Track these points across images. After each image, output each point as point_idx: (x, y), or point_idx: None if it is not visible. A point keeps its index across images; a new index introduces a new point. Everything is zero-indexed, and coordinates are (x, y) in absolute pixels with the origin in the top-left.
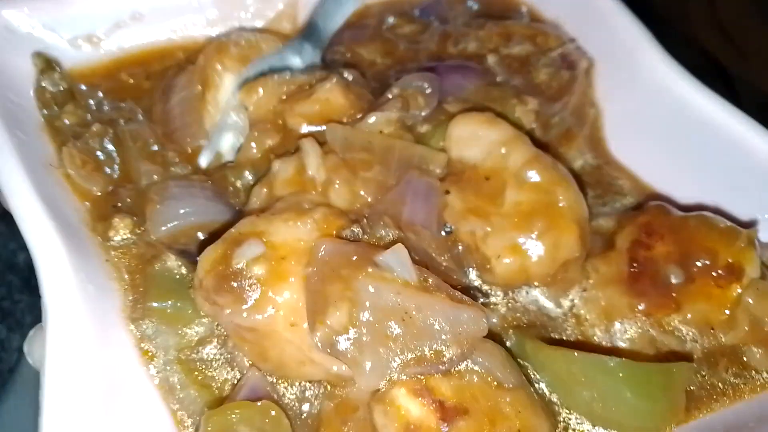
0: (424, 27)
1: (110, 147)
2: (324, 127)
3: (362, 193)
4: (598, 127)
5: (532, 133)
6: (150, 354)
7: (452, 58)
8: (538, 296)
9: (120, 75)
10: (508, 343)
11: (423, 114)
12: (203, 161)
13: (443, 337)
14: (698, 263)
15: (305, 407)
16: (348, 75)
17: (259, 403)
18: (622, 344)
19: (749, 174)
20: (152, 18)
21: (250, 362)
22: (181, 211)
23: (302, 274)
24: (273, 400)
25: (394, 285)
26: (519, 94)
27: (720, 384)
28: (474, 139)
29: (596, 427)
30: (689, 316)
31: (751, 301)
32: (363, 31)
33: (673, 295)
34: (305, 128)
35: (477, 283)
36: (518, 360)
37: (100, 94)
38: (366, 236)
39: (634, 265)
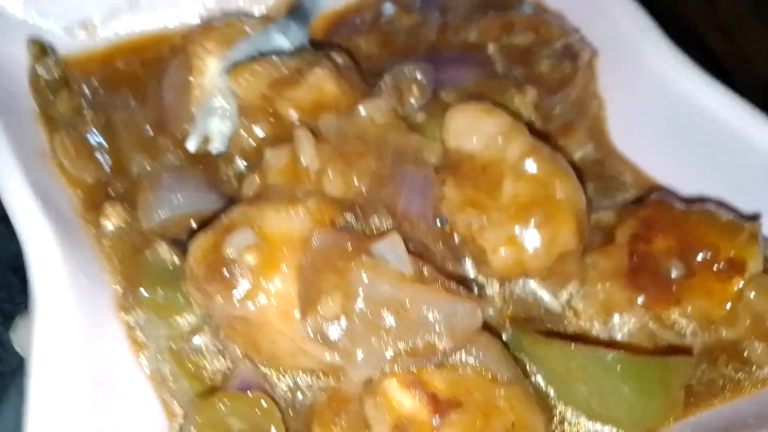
0: (424, 17)
1: (103, 135)
2: (316, 115)
3: (357, 183)
4: (600, 120)
5: (532, 124)
6: (141, 343)
7: (452, 49)
8: (536, 289)
9: (115, 63)
10: (504, 336)
11: (418, 104)
12: (191, 146)
13: (437, 329)
14: (699, 257)
15: (298, 398)
16: (338, 58)
17: (250, 394)
18: (620, 338)
19: (753, 168)
20: (148, 5)
21: (242, 352)
22: (175, 200)
23: (295, 263)
24: (265, 392)
25: (388, 275)
26: (518, 84)
27: (720, 379)
28: (471, 130)
29: (593, 422)
30: (689, 310)
31: (752, 296)
32: (361, 22)
33: (674, 289)
34: (296, 116)
35: (473, 275)
36: (514, 353)
37: (95, 82)
38: (360, 226)
39: (634, 258)
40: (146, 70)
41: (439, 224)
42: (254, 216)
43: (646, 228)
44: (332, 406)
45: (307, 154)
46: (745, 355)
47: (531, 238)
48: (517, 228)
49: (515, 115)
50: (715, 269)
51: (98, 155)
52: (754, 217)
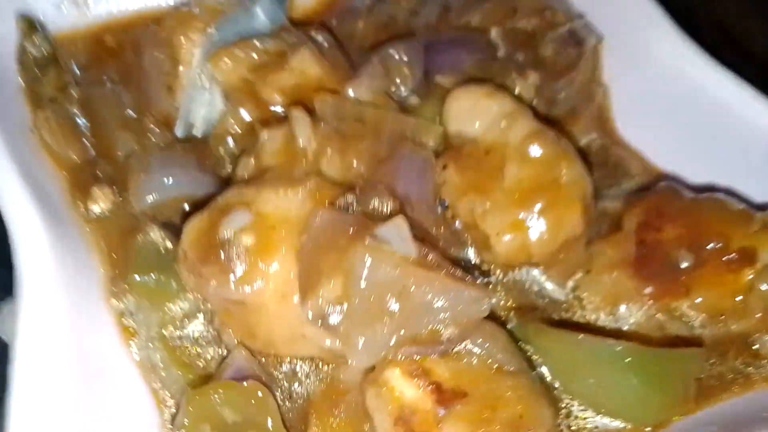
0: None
1: (86, 114)
2: (301, 98)
3: (355, 164)
4: (606, 106)
5: (534, 108)
6: (131, 330)
7: (453, 32)
8: (541, 277)
9: (105, 41)
10: (509, 325)
11: (407, 85)
12: (179, 131)
13: (442, 316)
14: (709, 247)
15: (295, 387)
16: (319, 38)
17: (245, 384)
18: (627, 328)
19: (763, 156)
20: None
21: (238, 339)
22: (167, 182)
23: (294, 245)
24: (260, 381)
25: (392, 259)
26: (519, 68)
27: (729, 373)
28: (473, 113)
29: (600, 416)
30: (699, 301)
31: (764, 287)
32: (360, 3)
33: (683, 279)
34: (280, 100)
35: (476, 261)
36: (519, 343)
37: (84, 60)
38: (360, 207)
39: (642, 248)
40: (135, 50)
41: (439, 209)
42: (251, 197)
43: (655, 216)
44: (330, 397)
45: (304, 134)
46: (755, 348)
47: (535, 223)
48: (521, 213)
49: (518, 98)
50: (725, 259)
51: (83, 133)
52: (766, 206)
